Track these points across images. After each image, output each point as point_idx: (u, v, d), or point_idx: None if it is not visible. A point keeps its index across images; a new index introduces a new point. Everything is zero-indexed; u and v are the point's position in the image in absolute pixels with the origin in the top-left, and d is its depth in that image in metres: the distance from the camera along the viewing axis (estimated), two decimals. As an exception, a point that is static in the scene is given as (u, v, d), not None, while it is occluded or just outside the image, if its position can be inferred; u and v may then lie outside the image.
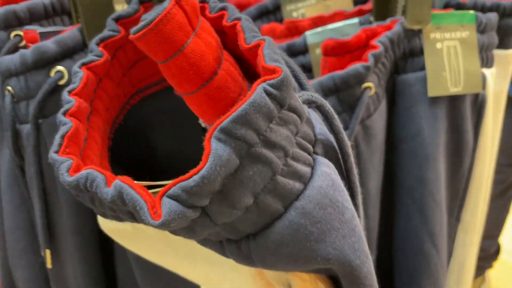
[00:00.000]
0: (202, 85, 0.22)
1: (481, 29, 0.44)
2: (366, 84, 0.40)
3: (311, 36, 0.47)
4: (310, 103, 0.22)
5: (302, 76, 0.26)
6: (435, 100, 0.43)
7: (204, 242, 0.24)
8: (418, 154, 0.43)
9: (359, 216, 0.26)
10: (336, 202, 0.22)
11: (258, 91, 0.19)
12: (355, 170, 0.26)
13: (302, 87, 0.26)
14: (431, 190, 0.44)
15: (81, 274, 0.39)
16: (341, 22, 0.48)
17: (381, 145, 0.43)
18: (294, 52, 0.48)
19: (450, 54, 0.43)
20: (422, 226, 0.44)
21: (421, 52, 0.43)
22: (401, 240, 0.46)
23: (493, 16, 0.45)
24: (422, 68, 0.43)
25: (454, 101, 0.43)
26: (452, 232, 0.50)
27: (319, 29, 0.47)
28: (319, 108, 0.23)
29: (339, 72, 0.39)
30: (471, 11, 0.43)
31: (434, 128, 0.43)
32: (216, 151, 0.19)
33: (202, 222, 0.21)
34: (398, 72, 0.43)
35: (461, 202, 0.48)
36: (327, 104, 0.23)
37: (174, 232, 0.21)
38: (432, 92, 0.42)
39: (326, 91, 0.40)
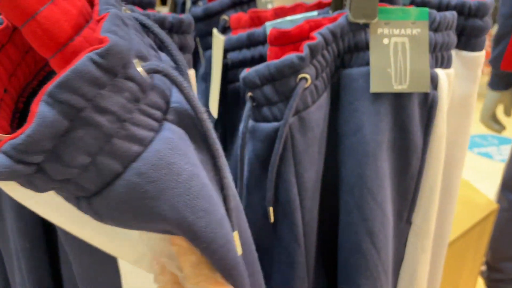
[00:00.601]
0: (58, 50, 0.23)
1: (435, 27, 0.43)
2: (301, 75, 0.40)
3: (270, 27, 0.48)
4: (155, 72, 0.23)
5: (176, 52, 0.27)
6: (378, 96, 0.42)
7: (65, 198, 0.25)
8: (359, 151, 0.43)
9: (220, 176, 0.27)
10: (172, 164, 0.23)
11: (82, 60, 0.20)
12: (213, 134, 0.26)
13: (176, 62, 0.27)
14: (371, 188, 0.43)
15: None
16: (300, 14, 0.48)
17: (320, 138, 0.43)
18: (254, 41, 0.49)
19: (398, 50, 0.42)
20: (361, 223, 0.44)
21: (367, 47, 0.42)
22: (342, 237, 0.46)
23: (449, 14, 0.43)
24: (368, 63, 0.42)
25: (399, 99, 0.43)
26: (402, 235, 0.49)
27: (278, 20, 0.48)
28: (168, 77, 0.24)
29: (274, 61, 0.40)
30: (426, 8, 0.42)
31: (375, 125, 0.42)
32: (42, 113, 0.20)
33: (40, 177, 0.22)
34: (344, 66, 0.43)
35: (411, 205, 0.47)
36: (175, 73, 0.24)
37: (22, 185, 0.23)
38: (374, 88, 0.42)
39: (263, 80, 0.40)
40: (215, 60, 0.51)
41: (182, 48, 0.42)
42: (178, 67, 0.27)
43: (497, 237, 1.23)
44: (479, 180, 1.57)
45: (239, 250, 0.28)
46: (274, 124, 0.41)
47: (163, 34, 0.27)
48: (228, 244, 0.26)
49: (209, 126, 0.26)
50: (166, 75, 0.23)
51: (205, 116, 0.26)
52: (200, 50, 0.61)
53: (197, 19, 0.59)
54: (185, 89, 0.24)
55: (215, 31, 0.52)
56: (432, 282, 0.57)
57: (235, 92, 0.51)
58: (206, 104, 0.58)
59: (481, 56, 0.48)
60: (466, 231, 1.02)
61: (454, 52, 0.48)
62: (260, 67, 0.40)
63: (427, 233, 0.48)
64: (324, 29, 0.41)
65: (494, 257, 1.29)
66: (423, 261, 0.49)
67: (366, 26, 0.42)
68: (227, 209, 0.27)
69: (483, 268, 1.37)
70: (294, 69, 0.39)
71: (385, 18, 0.42)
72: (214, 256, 0.25)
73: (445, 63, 0.45)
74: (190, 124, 0.26)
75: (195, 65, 0.62)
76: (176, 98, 0.25)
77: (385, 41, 0.42)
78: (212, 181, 0.27)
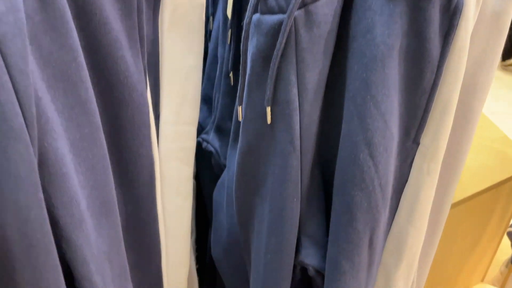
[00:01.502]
0: None
1: None
2: (311, -38, 0.37)
3: None
4: None
5: None
6: (394, -6, 0.38)
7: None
8: (366, 54, 0.40)
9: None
10: None
11: None
12: None
13: None
14: (375, 96, 0.41)
15: None
16: None
17: (327, 38, 0.41)
18: None
19: None
20: (360, 133, 0.42)
21: None
22: (341, 147, 0.44)
23: None
24: (388, -43, 0.38)
25: (418, 0, 0.39)
26: (408, 155, 0.46)
27: None
28: None
29: None
30: None
31: (387, 26, 0.39)
32: None
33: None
34: (362, -41, 0.40)
35: (420, 123, 0.44)
36: None
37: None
38: (391, -16, 0.38)
39: (270, -34, 0.38)
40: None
41: None
42: None
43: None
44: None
45: None
46: (279, 16, 0.39)
47: None
48: None
49: None
50: None
51: None
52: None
53: None
54: None
55: None
56: (438, 213, 0.54)
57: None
58: None
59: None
60: (496, 185, 0.98)
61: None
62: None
63: (435, 156, 0.45)
64: None
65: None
66: (428, 185, 0.47)
67: None
68: None
69: (511, 229, 1.32)
70: (303, -45, 0.37)
71: None
72: None
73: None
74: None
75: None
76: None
77: None
78: None
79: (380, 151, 0.42)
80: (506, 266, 1.44)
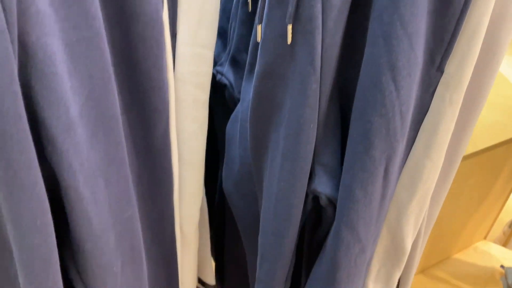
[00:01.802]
0: None
1: None
2: None
3: None
4: None
5: None
6: None
7: None
8: (396, -32, 0.38)
9: None
10: None
11: None
12: None
13: None
14: (402, 16, 0.39)
15: None
16: None
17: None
18: None
19: None
20: (384, 55, 0.40)
21: None
22: (363, 71, 0.43)
23: None
24: None
25: None
26: (431, 84, 0.45)
27: None
28: None
29: None
30: None
31: None
32: None
33: None
34: None
35: (447, 49, 0.43)
36: None
37: None
38: None
39: None
40: None
41: None
42: None
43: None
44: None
45: None
46: None
47: None
48: None
49: None
50: None
51: None
52: None
53: None
54: None
55: None
56: (454, 152, 0.54)
57: None
58: None
59: None
60: (508, 141, 0.97)
61: None
62: None
63: (459, 85, 0.44)
64: None
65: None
66: (449, 116, 0.45)
67: None
68: None
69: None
70: None
71: None
72: None
73: None
74: None
75: None
76: None
77: None
78: None
79: (403, 75, 0.41)
80: (510, 226, 1.45)
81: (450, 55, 0.43)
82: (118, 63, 0.39)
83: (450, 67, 0.44)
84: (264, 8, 0.43)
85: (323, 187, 0.49)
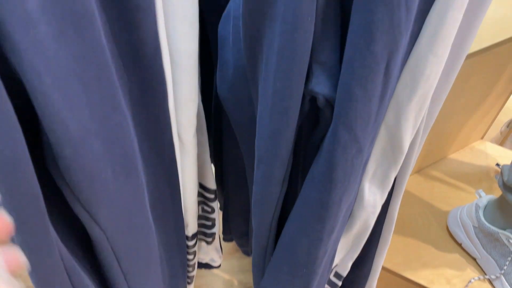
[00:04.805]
0: None
1: None
2: None
3: None
4: None
5: None
6: None
7: None
8: None
9: None
10: None
11: None
12: None
13: None
14: None
15: None
16: None
17: None
18: None
19: None
20: None
21: None
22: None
23: None
24: None
25: None
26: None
27: None
28: None
29: None
30: None
31: None
32: None
33: None
34: None
35: None
36: None
37: None
38: None
39: None
40: None
41: None
42: None
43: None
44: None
45: None
46: None
47: None
48: None
49: None
50: None
51: None
52: None
53: None
54: None
55: None
56: (459, 47, 0.51)
57: None
58: None
59: None
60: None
61: None
62: None
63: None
64: None
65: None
66: (458, 4, 0.42)
67: None
68: None
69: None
70: None
71: None
72: None
73: None
74: None
75: None
76: None
77: None
78: None
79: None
80: (508, 126, 1.45)
81: None
82: None
83: None
84: None
85: (321, 87, 0.47)
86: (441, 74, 0.49)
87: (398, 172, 0.60)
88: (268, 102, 0.49)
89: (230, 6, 0.56)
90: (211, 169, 0.76)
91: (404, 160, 0.58)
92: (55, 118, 0.35)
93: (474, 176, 1.18)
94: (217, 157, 0.85)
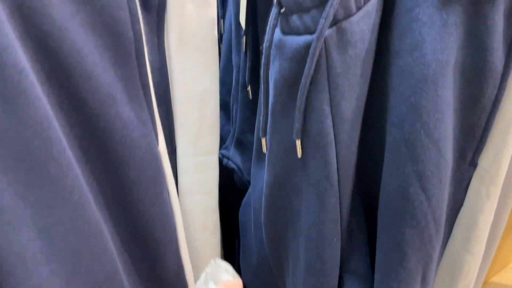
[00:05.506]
0: None
1: None
2: (343, -29, 0.30)
3: None
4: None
5: None
6: (447, 0, 0.31)
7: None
8: (414, 74, 0.33)
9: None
10: None
11: None
12: None
13: None
14: (426, 123, 0.34)
15: None
16: None
17: (365, 57, 0.34)
18: None
19: None
20: (409, 164, 0.35)
21: None
22: (385, 179, 0.38)
23: None
24: (437, -46, 0.31)
25: (477, 5, 0.31)
26: (463, 179, 0.40)
27: None
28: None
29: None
30: None
31: (440, 40, 0.32)
32: None
33: None
34: (403, -40, 0.32)
35: (479, 144, 0.38)
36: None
37: None
38: (443, -11, 0.31)
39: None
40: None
41: None
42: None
43: None
44: None
45: None
46: (306, 38, 0.32)
47: None
48: None
49: None
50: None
51: None
52: None
53: None
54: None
55: None
56: (494, 232, 0.48)
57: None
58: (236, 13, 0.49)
59: None
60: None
61: None
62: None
63: (496, 179, 0.39)
64: None
65: None
66: (487, 209, 0.40)
67: None
68: None
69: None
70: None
71: None
72: None
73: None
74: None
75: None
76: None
77: None
78: None
79: (433, 183, 0.36)
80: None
81: (483, 149, 0.38)
82: (113, 216, 0.35)
83: (484, 160, 0.39)
84: (266, 120, 0.39)
85: (354, 295, 0.44)
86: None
87: None
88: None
89: (249, 194, 0.56)
90: None
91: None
92: None
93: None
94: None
